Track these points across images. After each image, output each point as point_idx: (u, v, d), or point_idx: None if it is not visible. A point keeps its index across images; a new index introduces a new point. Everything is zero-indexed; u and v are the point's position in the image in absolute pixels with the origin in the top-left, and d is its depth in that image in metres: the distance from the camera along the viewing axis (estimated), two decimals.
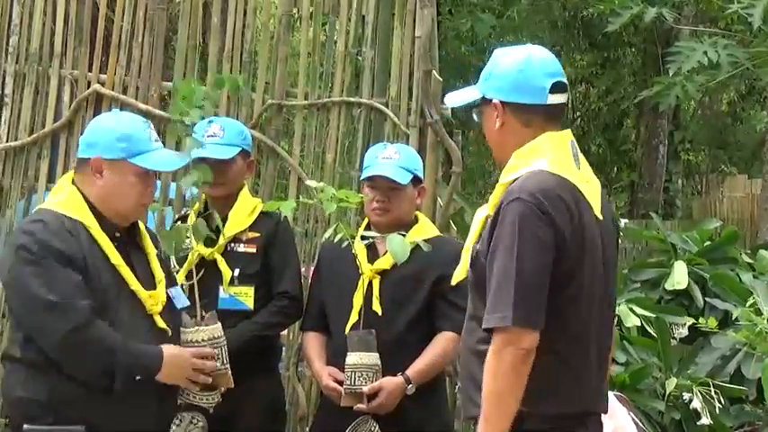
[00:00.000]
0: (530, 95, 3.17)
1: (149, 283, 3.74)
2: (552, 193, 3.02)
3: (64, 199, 3.66)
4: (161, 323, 3.73)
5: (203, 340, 3.87)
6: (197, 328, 3.89)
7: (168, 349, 3.69)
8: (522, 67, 3.19)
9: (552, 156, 3.10)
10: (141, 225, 3.88)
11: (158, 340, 3.70)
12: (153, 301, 3.71)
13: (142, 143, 3.70)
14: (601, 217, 3.13)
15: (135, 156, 3.67)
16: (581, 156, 3.20)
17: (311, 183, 4.34)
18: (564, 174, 3.08)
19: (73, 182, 3.72)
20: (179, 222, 4.66)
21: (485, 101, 3.23)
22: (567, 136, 3.18)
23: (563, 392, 3.05)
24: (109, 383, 3.53)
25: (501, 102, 3.18)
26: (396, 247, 3.99)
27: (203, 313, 3.93)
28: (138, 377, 3.57)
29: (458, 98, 3.35)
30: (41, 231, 3.54)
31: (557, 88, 3.18)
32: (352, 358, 4.17)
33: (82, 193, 3.67)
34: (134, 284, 3.66)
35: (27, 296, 3.51)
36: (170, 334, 3.77)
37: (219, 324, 3.96)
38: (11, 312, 3.74)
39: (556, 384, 3.04)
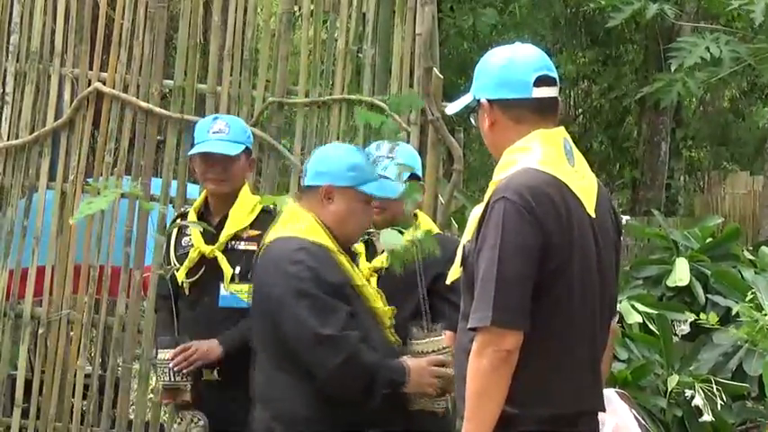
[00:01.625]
0: (514, 90, 3.15)
1: None
2: (539, 191, 2.99)
3: (306, 227, 3.83)
4: (391, 336, 3.95)
5: (433, 351, 3.95)
6: (428, 339, 3.98)
7: (408, 362, 3.85)
8: (504, 63, 3.19)
9: (542, 153, 3.07)
10: None
11: (395, 354, 3.90)
12: (389, 315, 3.93)
13: (367, 172, 3.93)
14: (594, 215, 3.09)
15: (362, 184, 3.88)
16: (576, 153, 3.17)
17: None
18: (553, 171, 3.05)
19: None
20: (179, 220, 4.67)
21: (478, 102, 3.23)
22: (559, 133, 3.15)
23: (555, 393, 3.02)
24: (364, 399, 3.73)
25: (488, 100, 3.17)
26: (389, 239, 3.98)
27: (430, 325, 4.05)
28: (386, 391, 3.76)
29: (455, 105, 3.36)
30: (310, 260, 3.74)
31: (542, 81, 3.15)
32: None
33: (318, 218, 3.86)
34: (376, 302, 3.89)
35: (300, 327, 3.70)
36: (398, 346, 3.96)
37: (444, 335, 4.05)
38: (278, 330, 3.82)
39: (548, 385, 3.02)
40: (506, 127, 3.16)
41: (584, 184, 3.11)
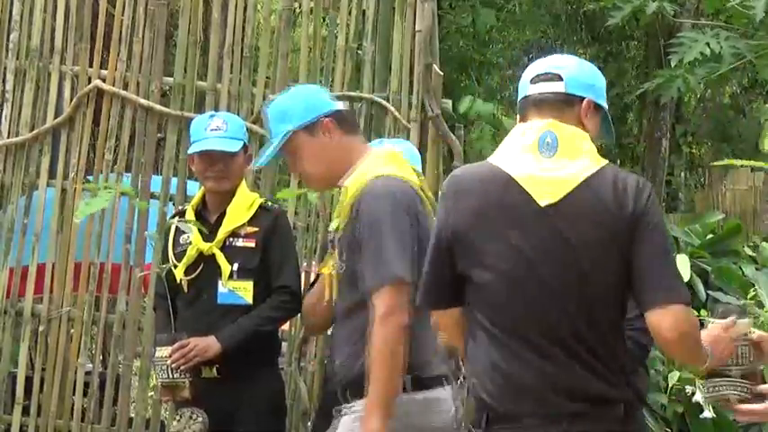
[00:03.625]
0: (521, 92, 3.26)
1: None
2: (459, 180, 3.16)
3: None
4: None
5: None
6: None
7: None
8: (527, 69, 3.29)
9: (507, 143, 3.17)
10: None
11: None
12: None
13: None
14: (547, 202, 3.03)
15: None
16: (570, 144, 3.11)
17: None
18: (498, 162, 3.12)
19: None
20: (177, 218, 4.67)
21: None
22: (541, 125, 3.14)
23: (500, 389, 3.01)
24: None
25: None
26: None
27: None
28: None
29: None
30: None
31: (539, 78, 3.21)
32: None
33: None
34: None
35: None
36: None
37: None
38: None
39: (494, 381, 3.02)
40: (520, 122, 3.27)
41: (555, 176, 3.06)
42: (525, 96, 3.23)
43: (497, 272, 3.04)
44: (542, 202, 3.05)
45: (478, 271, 3.06)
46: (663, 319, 3.01)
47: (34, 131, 5.80)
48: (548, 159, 3.10)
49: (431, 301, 3.22)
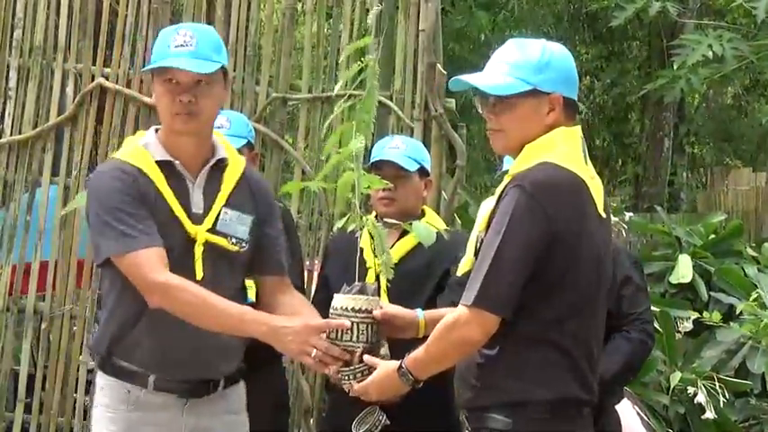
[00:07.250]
0: (575, 89, 3.16)
1: None
2: (554, 186, 2.98)
3: None
4: None
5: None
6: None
7: None
8: (571, 62, 3.16)
9: (564, 150, 3.05)
10: None
11: None
12: None
13: None
14: (604, 215, 3.09)
15: None
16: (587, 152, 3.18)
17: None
18: (573, 168, 3.02)
19: None
20: None
21: (533, 92, 3.09)
22: (577, 131, 3.14)
23: (562, 381, 3.04)
24: None
25: (563, 96, 3.10)
26: (422, 231, 3.95)
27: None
28: None
29: (490, 81, 3.14)
30: None
31: None
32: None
33: None
34: None
35: None
36: None
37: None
38: None
39: (558, 372, 3.03)
40: (561, 125, 3.11)
41: (595, 184, 3.09)
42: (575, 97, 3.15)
43: (582, 283, 3.02)
44: (602, 212, 3.09)
45: (563, 276, 2.99)
46: None
47: (37, 129, 5.80)
48: (586, 166, 3.10)
49: (511, 309, 2.98)
